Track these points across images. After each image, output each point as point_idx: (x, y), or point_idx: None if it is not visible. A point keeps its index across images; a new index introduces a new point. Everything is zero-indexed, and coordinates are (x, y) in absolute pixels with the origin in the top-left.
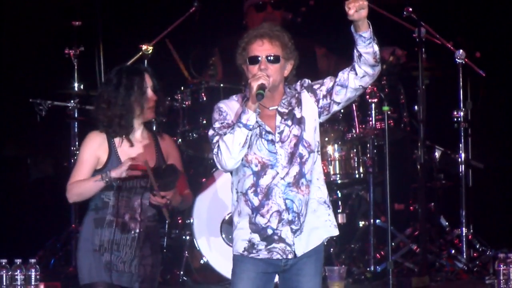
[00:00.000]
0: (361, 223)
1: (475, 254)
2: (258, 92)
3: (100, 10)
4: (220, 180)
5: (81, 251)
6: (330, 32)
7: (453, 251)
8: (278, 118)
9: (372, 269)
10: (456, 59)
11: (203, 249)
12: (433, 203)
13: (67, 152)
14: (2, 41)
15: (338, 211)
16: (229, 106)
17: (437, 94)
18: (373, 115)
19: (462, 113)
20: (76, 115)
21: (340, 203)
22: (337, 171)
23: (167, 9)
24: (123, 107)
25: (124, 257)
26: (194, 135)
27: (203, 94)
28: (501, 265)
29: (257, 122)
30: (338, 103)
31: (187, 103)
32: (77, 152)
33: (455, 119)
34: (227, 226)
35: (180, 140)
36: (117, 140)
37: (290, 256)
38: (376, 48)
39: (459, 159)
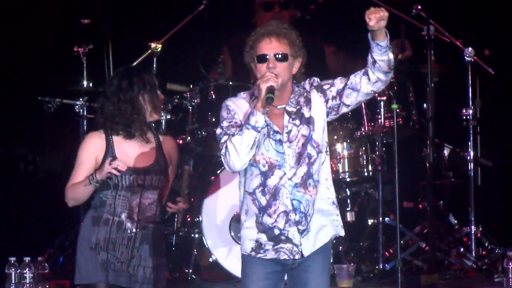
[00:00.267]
0: (370, 221)
1: (484, 252)
2: (268, 96)
3: (109, 8)
4: (229, 178)
5: (79, 249)
6: (339, 29)
7: (462, 249)
8: (286, 117)
9: (381, 267)
10: (465, 57)
11: (212, 247)
12: (442, 201)
13: (76, 150)
14: (12, 39)
15: (347, 209)
16: (237, 105)
17: (446, 92)
18: (382, 113)
19: (471, 111)
20: (84, 113)
21: (349, 201)
22: (346, 169)
23: (176, 7)
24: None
25: (121, 256)
26: (203, 133)
27: (212, 92)
28: (510, 263)
29: (265, 121)
30: (348, 106)
31: (196, 101)
32: None
33: (464, 117)
34: (236, 224)
35: (189, 138)
36: (116, 139)
37: (297, 257)
38: (391, 56)
39: (468, 157)
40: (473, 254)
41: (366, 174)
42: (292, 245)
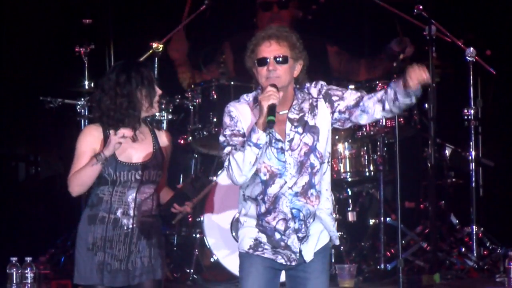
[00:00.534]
0: (372, 221)
1: (485, 252)
2: (269, 120)
3: (111, 8)
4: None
5: (77, 249)
6: (342, 29)
7: (463, 249)
8: (288, 125)
9: (383, 267)
10: (467, 57)
11: (214, 247)
12: (443, 201)
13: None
14: (13, 39)
15: (349, 209)
16: (240, 111)
17: (447, 92)
18: None
19: (472, 111)
20: (86, 113)
21: (350, 201)
22: (348, 169)
23: (178, 7)
24: (128, 98)
25: (118, 254)
26: (205, 133)
27: (213, 92)
28: (511, 263)
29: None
30: (355, 123)
31: (197, 101)
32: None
33: (466, 117)
34: (238, 224)
35: (190, 138)
36: (113, 133)
37: (294, 263)
38: (414, 100)
39: (470, 157)
40: (475, 254)
41: (367, 174)
42: (290, 252)
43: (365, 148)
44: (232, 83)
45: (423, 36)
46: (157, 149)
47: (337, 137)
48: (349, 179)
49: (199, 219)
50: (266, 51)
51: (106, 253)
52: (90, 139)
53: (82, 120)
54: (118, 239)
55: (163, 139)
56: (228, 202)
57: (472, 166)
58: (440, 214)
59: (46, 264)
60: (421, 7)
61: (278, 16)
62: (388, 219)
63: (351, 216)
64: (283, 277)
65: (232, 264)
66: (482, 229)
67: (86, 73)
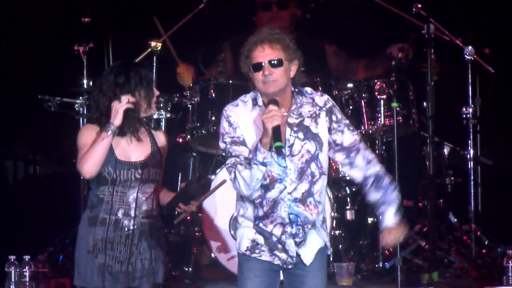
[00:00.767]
0: (370, 220)
1: (483, 251)
2: (277, 146)
3: (110, 6)
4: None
5: (77, 252)
6: (340, 28)
7: (461, 248)
8: (288, 130)
9: (381, 265)
10: (465, 56)
11: (212, 246)
12: (441, 200)
13: (76, 149)
14: (12, 38)
15: (347, 207)
16: (238, 115)
17: (446, 90)
18: (382, 111)
19: (471, 110)
20: (85, 112)
21: (349, 199)
22: None
23: (176, 5)
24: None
25: (119, 255)
26: (203, 131)
27: (212, 90)
28: (510, 262)
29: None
30: (335, 160)
31: (196, 99)
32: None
33: (464, 116)
34: (236, 223)
35: (189, 136)
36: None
37: (290, 266)
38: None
39: (468, 156)
40: (473, 253)
41: None
42: (287, 256)
43: None
44: (230, 81)
45: (421, 34)
46: (155, 149)
47: None
48: (348, 178)
49: (197, 217)
50: (260, 56)
51: (107, 255)
52: (91, 133)
53: (81, 119)
54: (119, 241)
55: (161, 138)
56: (227, 201)
57: (471, 164)
58: (439, 213)
59: (44, 262)
60: (419, 5)
61: (277, 16)
62: None
63: (349, 215)
64: (282, 275)
65: (230, 263)
66: (480, 227)
67: (85, 71)
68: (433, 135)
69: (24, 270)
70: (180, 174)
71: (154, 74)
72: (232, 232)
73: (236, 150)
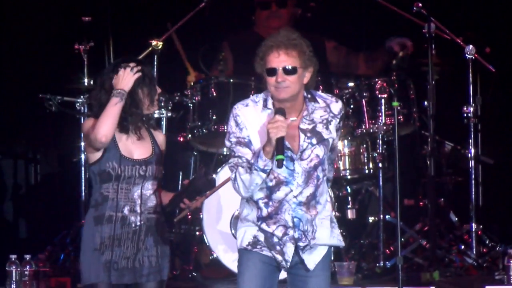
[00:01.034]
0: (371, 219)
1: (484, 250)
2: (278, 159)
3: (110, 5)
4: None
5: (82, 251)
6: (339, 24)
7: (462, 247)
8: (302, 136)
9: (382, 264)
10: (466, 55)
11: (213, 245)
12: (442, 199)
13: (77, 148)
14: (12, 37)
15: (348, 206)
16: (246, 116)
17: (446, 89)
18: (383, 110)
19: (471, 109)
20: (85, 110)
21: (349, 198)
22: (347, 167)
23: (177, 4)
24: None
25: (126, 251)
26: (204, 130)
27: (213, 89)
28: (511, 261)
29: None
30: None
31: (197, 98)
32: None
33: (465, 115)
34: (237, 222)
35: (190, 135)
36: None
37: (283, 269)
38: None
39: (469, 155)
40: (474, 252)
41: (367, 171)
42: (282, 258)
43: (365, 145)
44: (231, 80)
45: (422, 33)
46: (156, 146)
47: None
48: (349, 177)
49: (198, 216)
50: (274, 62)
51: (114, 251)
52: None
53: (82, 118)
54: (126, 237)
55: (160, 137)
56: (228, 200)
57: (472, 163)
58: (440, 212)
59: (45, 261)
60: (420, 4)
61: (276, 14)
62: (387, 216)
63: (350, 214)
64: (284, 274)
65: (231, 262)
66: (481, 226)
67: (86, 70)
68: (434, 134)
69: (25, 269)
70: (180, 173)
71: (155, 73)
72: (232, 231)
73: (239, 150)
